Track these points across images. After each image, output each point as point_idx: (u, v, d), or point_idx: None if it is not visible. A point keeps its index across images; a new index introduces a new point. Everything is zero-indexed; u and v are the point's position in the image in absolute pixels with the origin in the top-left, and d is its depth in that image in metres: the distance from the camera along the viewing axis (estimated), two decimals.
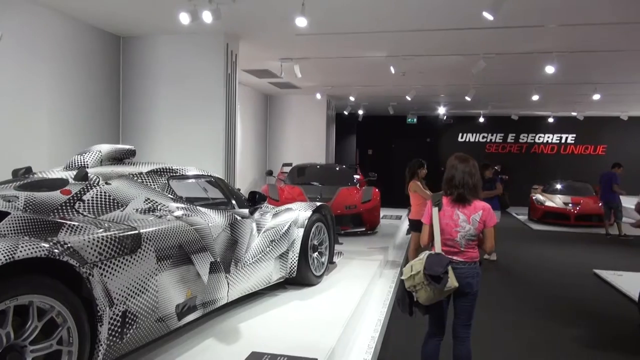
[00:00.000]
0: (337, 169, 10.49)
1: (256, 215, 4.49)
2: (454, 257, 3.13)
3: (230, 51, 7.41)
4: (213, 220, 3.75)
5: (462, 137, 18.89)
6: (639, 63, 8.69)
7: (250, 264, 4.12)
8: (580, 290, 6.49)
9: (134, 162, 3.90)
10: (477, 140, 18.84)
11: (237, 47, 7.62)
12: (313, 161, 11.62)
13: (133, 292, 2.78)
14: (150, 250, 2.95)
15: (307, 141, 13.62)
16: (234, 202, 4.34)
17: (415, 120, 17.82)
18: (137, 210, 3.23)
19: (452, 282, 3.03)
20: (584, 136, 17.87)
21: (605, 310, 5.61)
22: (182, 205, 3.62)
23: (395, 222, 10.55)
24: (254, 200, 4.46)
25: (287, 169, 10.70)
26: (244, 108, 12.04)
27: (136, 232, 2.90)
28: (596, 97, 11.03)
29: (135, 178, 3.52)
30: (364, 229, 8.39)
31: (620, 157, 15.52)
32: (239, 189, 5.28)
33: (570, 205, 12.64)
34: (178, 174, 3.93)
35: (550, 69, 7.94)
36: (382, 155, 19.07)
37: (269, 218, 4.66)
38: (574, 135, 18.05)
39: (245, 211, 4.35)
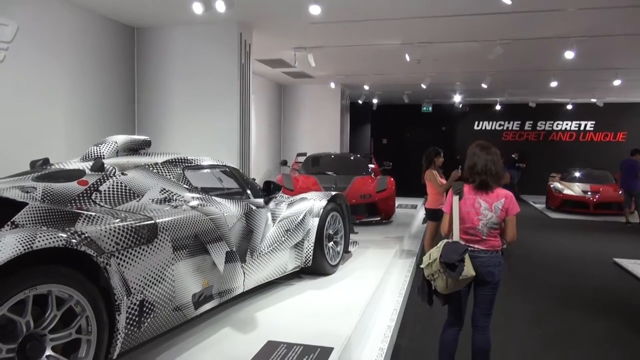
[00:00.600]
0: (352, 158, 10.45)
1: (271, 204, 4.49)
2: (476, 246, 3.10)
3: (244, 41, 7.38)
4: (228, 210, 3.75)
5: (478, 126, 18.66)
6: None
7: (265, 253, 4.13)
8: (600, 279, 6.40)
9: (149, 153, 3.92)
10: (493, 128, 18.59)
11: (250, 36, 7.59)
12: (327, 151, 11.59)
13: (150, 281, 2.80)
14: (167, 240, 2.96)
15: (321, 131, 13.59)
16: (249, 191, 4.34)
17: (430, 108, 17.63)
18: (153, 200, 3.24)
19: (469, 270, 2.99)
20: (604, 123, 17.51)
21: (625, 299, 5.52)
22: (198, 195, 3.62)
23: (410, 211, 10.50)
24: (269, 190, 4.45)
25: (302, 159, 10.70)
26: (258, 98, 12.03)
27: (152, 222, 2.91)
28: (617, 82, 10.78)
29: (151, 168, 3.53)
30: (379, 218, 8.36)
31: (638, 144, 15.22)
32: (254, 179, 5.29)
33: (589, 193, 12.43)
34: (193, 164, 3.93)
35: (569, 54, 7.78)
36: (397, 145, 18.95)
37: (284, 208, 4.65)
38: (593, 122, 17.70)
39: (260, 201, 4.35)
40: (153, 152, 3.97)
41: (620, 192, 11.83)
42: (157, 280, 2.85)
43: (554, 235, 9.68)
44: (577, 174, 13.60)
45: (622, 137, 17.43)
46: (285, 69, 10.85)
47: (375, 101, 16.18)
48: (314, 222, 4.68)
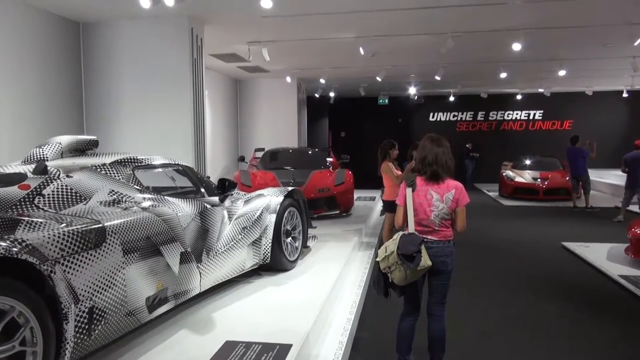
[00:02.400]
0: (310, 152, 10.43)
1: (227, 202, 4.43)
2: (429, 237, 3.16)
3: (195, 35, 7.22)
4: (182, 210, 3.67)
5: (433, 117, 19.04)
6: (602, 38, 8.84)
7: (222, 252, 4.07)
8: (549, 263, 6.66)
9: (96, 154, 3.78)
10: (447, 119, 19.02)
11: (202, 31, 7.44)
12: (285, 145, 11.54)
13: (99, 287, 2.70)
14: (116, 243, 2.87)
15: (278, 125, 13.51)
16: (203, 190, 4.27)
17: (386, 101, 17.85)
18: (101, 202, 3.13)
19: (426, 260, 3.06)
20: (551, 112, 18.23)
21: (573, 281, 5.78)
22: (149, 196, 3.53)
23: (369, 203, 10.61)
24: (224, 188, 4.38)
25: (260, 154, 10.61)
26: (212, 94, 11.84)
27: (100, 225, 2.81)
28: (562, 73, 11.21)
29: (99, 170, 3.40)
30: (338, 212, 8.41)
31: (585, 131, 15.94)
32: (209, 177, 5.20)
33: (539, 180, 12.91)
34: (144, 164, 3.82)
35: (517, 46, 8.01)
36: (355, 137, 19.12)
37: (240, 205, 4.60)
38: (542, 111, 18.39)
39: (215, 199, 4.28)
40: (101, 152, 3.82)
41: (567, 178, 12.37)
42: (107, 286, 2.76)
43: (506, 222, 10.00)
44: (527, 162, 14.09)
45: (568, 125, 18.20)
46: (240, 63, 10.72)
47: (332, 94, 16.22)
48: (271, 219, 4.65)
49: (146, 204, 3.41)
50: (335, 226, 7.59)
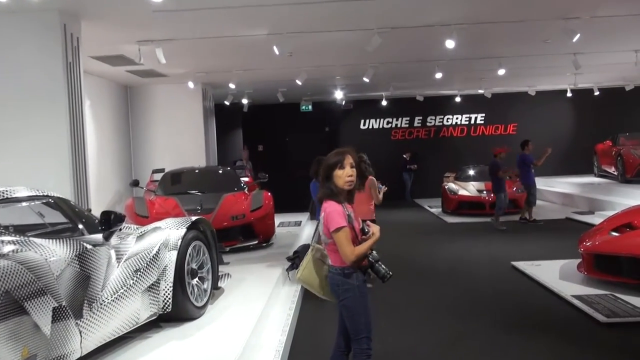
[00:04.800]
0: (220, 172, 10.39)
1: (113, 240, 4.30)
2: (328, 261, 3.43)
3: (69, 34, 6.96)
4: (53, 254, 3.49)
5: (364, 124, 19.50)
6: (540, 34, 9.51)
7: (109, 302, 3.93)
8: (498, 286, 6.98)
9: None
10: (381, 126, 19.55)
11: (78, 28, 7.18)
12: (190, 165, 11.34)
13: None
14: None
15: (181, 141, 13.24)
16: (81, 227, 4.12)
17: (310, 107, 18.08)
18: None
19: (300, 272, 3.42)
20: (494, 115, 19.28)
21: (524, 304, 6.10)
22: (9, 239, 3.32)
23: (294, 229, 10.63)
24: (109, 222, 4.23)
25: (159, 177, 10.35)
26: (96, 104, 11.43)
27: None
28: (501, 72, 11.91)
29: None
30: (256, 242, 8.38)
31: (531, 134, 16.96)
32: (90, 210, 4.99)
33: (484, 192, 13.51)
34: (1, 198, 3.59)
35: (450, 44, 8.41)
36: (276, 151, 19.13)
37: (131, 242, 4.50)
38: (483, 114, 19.41)
39: (99, 237, 4.14)
40: None
41: (514, 188, 13.09)
42: None
43: (451, 241, 10.39)
44: (471, 172, 14.75)
45: (512, 129, 19.33)
46: (130, 67, 10.44)
47: (245, 101, 16.18)
48: (171, 257, 4.58)
49: (5, 249, 3.20)
50: (253, 260, 7.54)
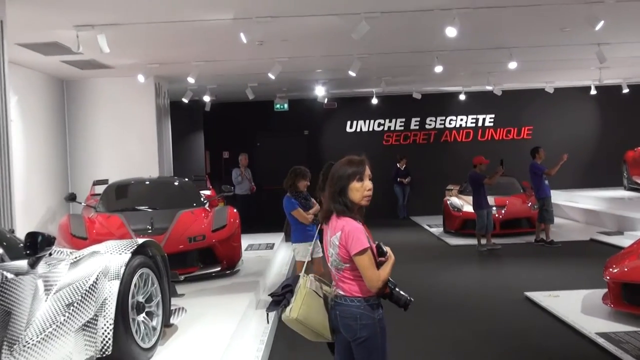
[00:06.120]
0: (176, 184, 10.38)
1: (41, 267, 4.28)
2: (337, 289, 3.43)
3: None
4: None
5: (351, 126, 19.55)
6: (558, 21, 9.65)
7: (34, 344, 3.90)
8: (510, 319, 7.07)
9: None
10: (371, 129, 19.60)
11: (2, 9, 7.14)
12: (140, 175, 11.26)
13: None
14: None
15: (129, 146, 13.16)
16: (1, 251, 4.07)
17: (285, 106, 18.10)
18: None
19: (292, 311, 3.32)
20: (505, 116, 19.44)
21: (540, 343, 6.15)
22: None
23: (265, 253, 10.62)
24: (35, 246, 4.18)
25: (101, 190, 10.29)
26: (25, 100, 11.34)
27: None
28: (512, 65, 12.04)
29: None
30: (219, 269, 8.35)
31: (548, 139, 17.16)
32: (13, 230, 4.95)
33: (494, 208, 13.57)
34: None
35: (451, 32, 8.51)
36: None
37: (63, 270, 4.48)
38: (492, 115, 19.57)
39: (22, 263, 4.11)
40: None
41: (529, 203, 13.23)
42: None
43: (454, 267, 10.47)
44: None
45: (527, 134, 19.52)
46: (66, 56, 10.39)
47: (207, 99, 16.14)
48: (112, 288, 4.56)
49: None
50: (215, 291, 7.53)
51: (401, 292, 3.41)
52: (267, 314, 3.64)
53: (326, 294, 3.45)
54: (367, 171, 3.43)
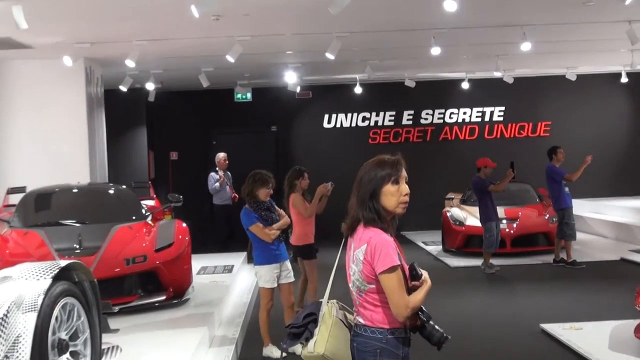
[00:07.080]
0: (111, 192, 10.37)
1: None
2: (357, 318, 3.46)
3: None
4: None
5: (329, 121, 19.51)
6: None
7: None
8: (523, 355, 7.15)
9: None
10: (354, 124, 19.55)
11: None
12: (66, 181, 11.17)
13: None
14: None
15: (53, 145, 13.06)
16: None
17: (248, 95, 18.08)
18: None
19: (316, 347, 3.32)
20: (517, 108, 19.48)
21: None
22: None
23: (222, 278, 10.58)
24: None
25: (16, 200, 10.19)
26: None
27: None
28: (526, 46, 12.07)
29: None
30: (164, 298, 8.33)
31: (569, 137, 17.25)
32: None
33: (504, 222, 13.59)
34: None
35: (451, 5, 8.53)
36: (196, 160, 18.99)
37: None
38: (502, 108, 19.61)
39: None
40: None
41: (547, 216, 13.27)
42: None
43: (456, 293, 10.49)
44: None
45: (544, 130, 19.60)
46: None
47: (151, 87, 16.04)
48: (27, 322, 4.49)
49: None
50: (158, 325, 7.51)
51: (436, 327, 3.42)
52: (282, 352, 3.64)
53: (351, 323, 3.48)
54: (404, 173, 3.46)
